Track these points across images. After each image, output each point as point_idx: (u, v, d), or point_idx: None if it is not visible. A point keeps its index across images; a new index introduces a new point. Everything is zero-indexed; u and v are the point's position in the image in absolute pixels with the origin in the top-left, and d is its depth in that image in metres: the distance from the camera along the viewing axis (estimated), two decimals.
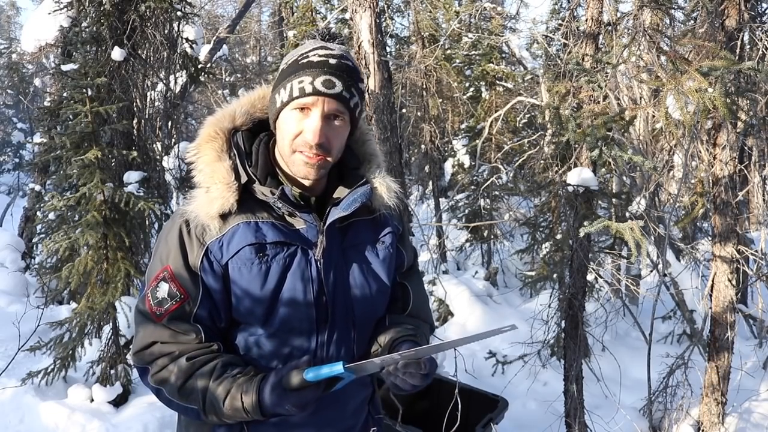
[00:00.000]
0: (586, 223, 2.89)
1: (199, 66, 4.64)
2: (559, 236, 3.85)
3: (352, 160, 1.31)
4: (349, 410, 1.34)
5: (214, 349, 1.20)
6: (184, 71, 4.61)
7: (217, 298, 1.20)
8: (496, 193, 7.26)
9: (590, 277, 3.75)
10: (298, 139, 1.18)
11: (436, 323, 5.52)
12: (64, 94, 4.39)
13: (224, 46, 8.57)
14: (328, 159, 1.21)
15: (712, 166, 3.38)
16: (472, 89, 7.98)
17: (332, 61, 1.17)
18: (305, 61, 1.18)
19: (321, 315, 1.22)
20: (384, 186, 1.30)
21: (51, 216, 4.61)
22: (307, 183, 1.24)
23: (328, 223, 1.22)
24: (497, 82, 7.60)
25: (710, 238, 3.73)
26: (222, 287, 1.20)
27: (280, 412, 1.11)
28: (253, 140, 1.26)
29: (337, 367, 1.08)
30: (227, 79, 12.01)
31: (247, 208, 1.20)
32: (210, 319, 1.21)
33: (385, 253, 1.31)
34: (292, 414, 1.11)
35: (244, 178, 1.21)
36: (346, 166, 1.30)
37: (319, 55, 1.18)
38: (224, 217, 1.19)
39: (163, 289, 1.19)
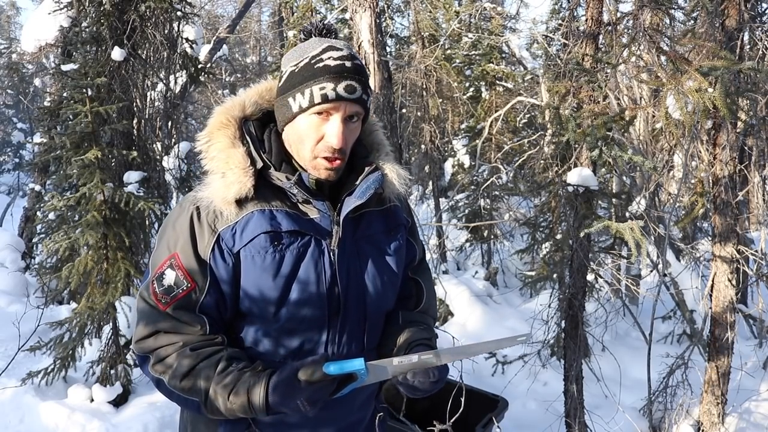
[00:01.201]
0: (586, 223, 2.89)
1: (199, 66, 4.64)
2: (559, 236, 3.85)
3: (361, 149, 1.32)
4: (357, 405, 1.34)
5: (219, 341, 1.18)
6: (184, 71, 4.60)
7: (225, 288, 1.19)
8: (496, 193, 7.26)
9: (590, 277, 3.75)
10: (321, 144, 1.18)
11: (436, 323, 5.52)
12: (64, 94, 4.38)
13: (224, 46, 8.57)
14: (345, 159, 1.22)
15: (712, 166, 3.37)
16: (472, 89, 7.98)
17: (348, 64, 1.18)
18: (321, 65, 1.17)
19: (333, 307, 1.21)
20: (394, 172, 1.30)
21: (51, 216, 4.61)
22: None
23: (344, 213, 1.21)
24: (497, 82, 7.60)
25: (710, 238, 3.73)
26: (232, 276, 1.18)
27: (284, 410, 1.09)
28: (263, 129, 1.26)
29: (358, 362, 1.06)
30: (227, 79, 12.02)
31: (261, 196, 1.19)
32: (216, 309, 1.20)
33: (396, 244, 1.32)
34: (299, 411, 1.09)
35: (259, 164, 1.20)
36: (356, 156, 1.30)
37: (334, 59, 1.17)
38: (239, 203, 1.18)
39: (170, 276, 1.17)
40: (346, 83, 1.16)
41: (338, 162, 1.19)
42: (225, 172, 1.18)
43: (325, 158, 1.19)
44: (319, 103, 1.16)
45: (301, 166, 1.23)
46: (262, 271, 1.17)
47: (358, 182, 1.24)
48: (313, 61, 1.18)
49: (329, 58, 1.18)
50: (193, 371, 1.13)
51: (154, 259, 1.22)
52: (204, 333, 1.18)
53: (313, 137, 1.18)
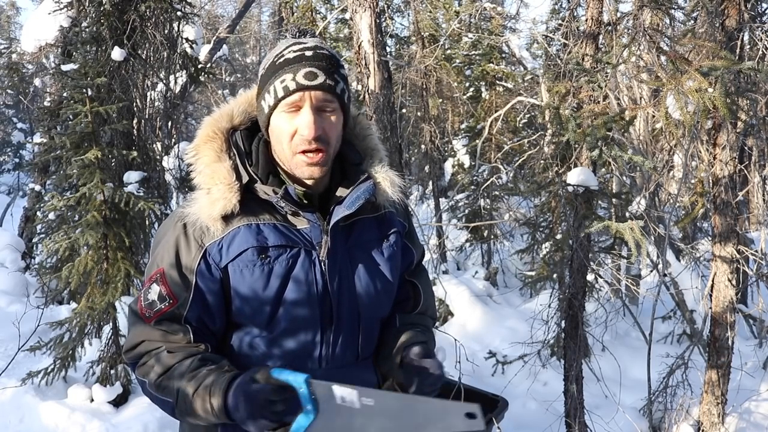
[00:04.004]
0: (586, 223, 2.90)
1: (199, 66, 4.64)
2: (559, 236, 3.85)
3: (354, 155, 1.29)
4: None
5: (201, 348, 1.19)
6: (184, 71, 4.61)
7: (212, 302, 1.19)
8: (496, 193, 7.26)
9: (590, 277, 3.75)
10: (296, 138, 1.16)
11: (436, 324, 5.52)
12: (64, 94, 4.39)
13: (224, 46, 8.57)
14: (329, 152, 1.19)
15: (712, 166, 3.37)
16: (472, 89, 7.98)
17: (308, 53, 1.16)
18: (281, 60, 1.17)
19: (326, 316, 1.21)
20: (387, 180, 1.28)
21: (51, 216, 4.61)
22: (310, 182, 1.22)
23: (332, 222, 1.20)
24: (497, 82, 7.60)
25: (710, 238, 3.73)
26: (219, 291, 1.19)
27: (239, 416, 1.06)
28: (252, 139, 1.24)
29: (300, 377, 1.04)
30: (227, 79, 12.03)
31: (249, 210, 1.19)
32: (200, 321, 1.20)
33: (390, 251, 1.29)
34: (246, 426, 1.05)
35: (245, 178, 1.19)
36: (348, 162, 1.27)
37: (294, 51, 1.17)
38: (226, 218, 1.18)
39: (155, 291, 1.18)
40: (305, 71, 1.14)
41: (319, 156, 1.17)
42: (210, 188, 1.17)
43: (304, 152, 1.16)
44: (282, 97, 1.15)
45: (288, 175, 1.22)
46: (252, 284, 1.17)
47: (348, 192, 1.22)
48: (275, 59, 1.18)
49: (290, 51, 1.17)
50: (168, 372, 1.14)
51: (146, 272, 1.24)
52: (188, 341, 1.18)
53: (288, 133, 1.17)
